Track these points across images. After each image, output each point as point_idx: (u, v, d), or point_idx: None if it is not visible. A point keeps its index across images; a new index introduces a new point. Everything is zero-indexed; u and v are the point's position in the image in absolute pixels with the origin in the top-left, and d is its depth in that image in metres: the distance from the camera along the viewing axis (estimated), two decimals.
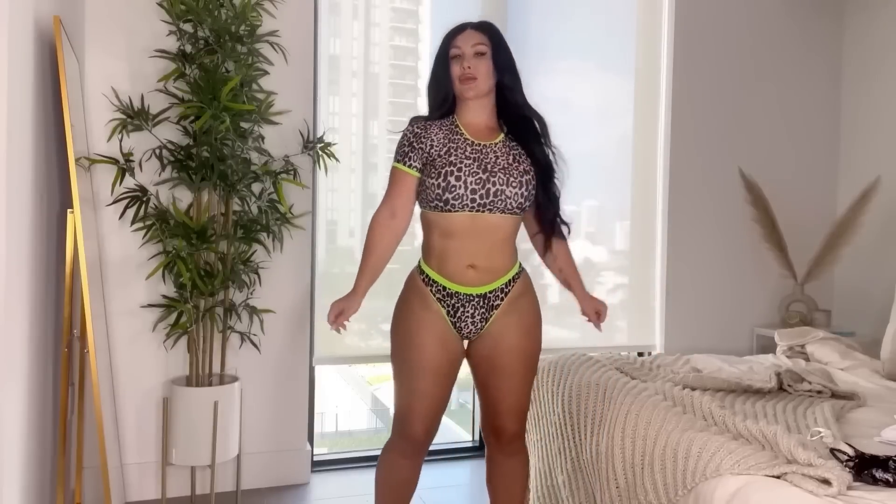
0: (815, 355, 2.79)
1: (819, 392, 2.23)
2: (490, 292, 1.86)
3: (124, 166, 2.54)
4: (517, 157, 1.88)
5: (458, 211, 1.81)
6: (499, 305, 1.87)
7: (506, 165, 1.85)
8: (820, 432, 1.71)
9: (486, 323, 1.88)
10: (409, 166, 1.87)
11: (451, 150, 1.84)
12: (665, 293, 3.56)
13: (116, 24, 2.68)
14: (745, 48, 3.65)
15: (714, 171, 3.61)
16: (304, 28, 2.93)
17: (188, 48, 2.58)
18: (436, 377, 1.86)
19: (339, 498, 2.86)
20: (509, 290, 1.88)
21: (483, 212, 1.82)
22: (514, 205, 1.84)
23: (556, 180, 1.95)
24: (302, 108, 2.92)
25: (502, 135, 1.92)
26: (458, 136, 1.88)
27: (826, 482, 1.43)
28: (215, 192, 2.59)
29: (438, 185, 1.80)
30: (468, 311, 1.86)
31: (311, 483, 3.00)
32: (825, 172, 3.83)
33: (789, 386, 2.26)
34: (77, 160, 2.14)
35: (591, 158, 3.48)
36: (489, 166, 1.83)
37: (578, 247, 3.55)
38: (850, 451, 1.57)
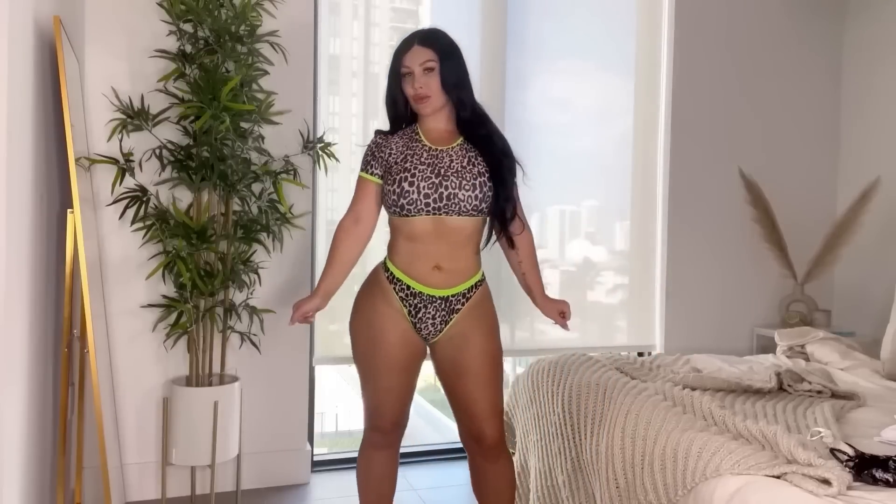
0: (815, 355, 2.79)
1: (819, 392, 2.23)
2: (452, 296, 1.90)
3: (124, 166, 2.54)
4: (472, 160, 1.92)
5: (415, 215, 1.86)
6: (459, 310, 1.91)
7: (459, 169, 1.89)
8: (820, 432, 1.71)
9: (445, 325, 1.91)
10: (371, 174, 1.96)
11: (408, 157, 1.91)
12: (665, 293, 3.56)
13: (116, 24, 2.68)
14: (745, 48, 3.65)
15: (714, 171, 3.61)
16: (304, 28, 2.93)
17: (188, 48, 2.58)
18: (399, 373, 1.92)
19: (339, 498, 2.86)
20: (471, 296, 1.92)
21: (441, 215, 1.86)
22: (469, 207, 1.87)
23: (511, 180, 1.97)
24: (302, 108, 2.92)
25: (461, 138, 1.96)
26: (417, 143, 1.93)
27: (826, 482, 1.44)
28: (215, 192, 2.59)
29: (394, 191, 1.87)
30: (429, 313, 1.90)
31: (311, 483, 3.00)
32: (825, 172, 3.83)
33: (789, 386, 2.26)
34: (77, 160, 2.14)
35: (591, 158, 3.48)
36: (442, 170, 1.88)
37: (578, 247, 3.55)
38: (850, 451, 1.57)
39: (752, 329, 3.69)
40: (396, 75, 1.93)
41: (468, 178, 1.88)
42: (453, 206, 1.86)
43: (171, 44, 2.63)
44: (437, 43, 1.91)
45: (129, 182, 2.57)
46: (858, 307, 3.64)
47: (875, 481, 1.48)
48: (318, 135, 2.96)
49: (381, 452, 2.01)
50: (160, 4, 2.58)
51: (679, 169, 3.56)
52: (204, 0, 2.47)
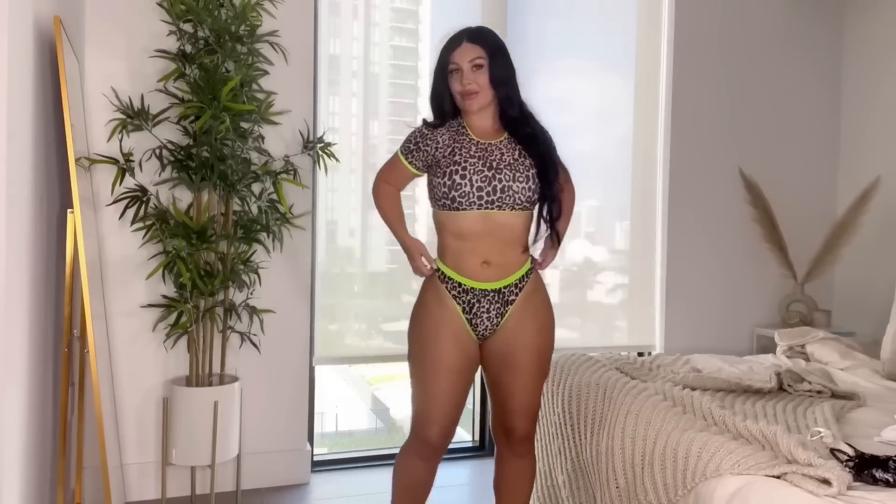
0: (815, 355, 2.79)
1: (819, 392, 2.23)
2: (505, 287, 1.89)
3: (124, 166, 2.53)
4: (521, 154, 1.91)
5: (466, 209, 1.85)
6: (514, 301, 1.90)
7: (511, 161, 1.88)
8: (820, 432, 1.71)
9: (501, 319, 1.90)
10: (410, 162, 1.95)
11: (456, 150, 1.89)
12: (665, 293, 3.56)
13: (116, 24, 2.68)
14: (745, 48, 3.65)
15: (714, 171, 3.61)
16: (304, 28, 2.93)
17: (188, 48, 2.58)
18: (451, 376, 1.88)
19: (339, 498, 2.86)
20: (523, 285, 1.91)
21: (492, 209, 1.85)
22: (523, 199, 1.87)
23: (556, 179, 1.96)
24: (302, 108, 2.92)
25: (506, 134, 1.95)
26: (464, 137, 1.92)
27: (826, 482, 1.44)
28: (215, 192, 2.59)
29: (444, 183, 1.85)
30: (484, 307, 1.88)
31: (311, 483, 3.00)
32: (825, 172, 3.83)
33: (789, 386, 2.26)
34: (77, 160, 2.14)
35: (591, 158, 3.48)
36: (494, 164, 1.87)
37: (578, 247, 3.55)
38: (850, 451, 1.57)
39: (752, 329, 3.69)
40: (443, 71, 1.91)
41: (521, 171, 1.88)
42: (507, 198, 1.85)
43: (171, 44, 2.63)
44: (486, 40, 1.91)
45: (129, 182, 2.56)
46: (858, 307, 3.64)
47: (875, 481, 1.48)
48: (318, 135, 2.96)
49: (422, 463, 1.95)
50: (160, 4, 2.57)
51: (679, 169, 3.55)
52: (204, 0, 2.47)
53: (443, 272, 1.91)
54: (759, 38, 3.68)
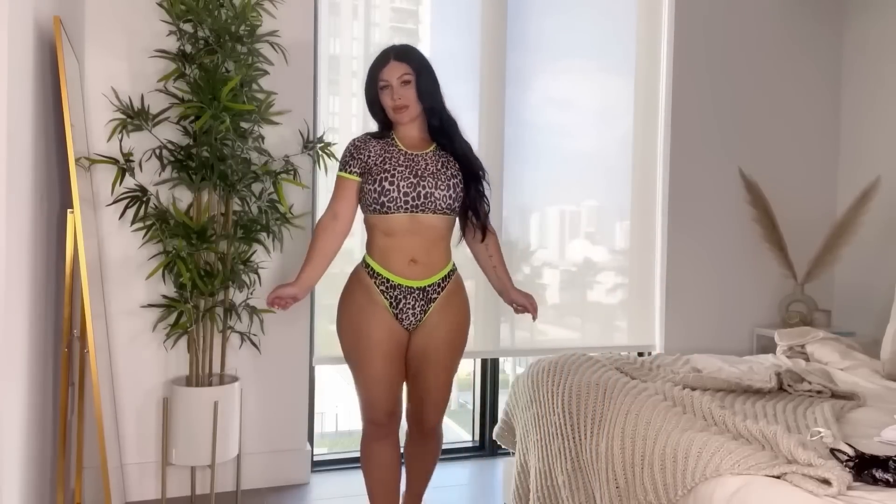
0: (815, 355, 2.79)
1: (819, 392, 2.23)
2: (429, 286, 2.08)
3: (124, 166, 2.54)
4: (445, 164, 2.11)
5: (394, 213, 2.04)
6: (436, 299, 2.09)
7: (434, 171, 2.08)
8: (820, 432, 1.71)
9: (424, 314, 2.09)
10: (350, 172, 2.12)
11: (387, 160, 2.08)
12: (665, 293, 3.56)
13: (116, 24, 2.68)
14: (745, 48, 3.65)
15: (714, 171, 3.61)
16: (304, 28, 2.93)
17: (188, 48, 2.58)
18: (386, 361, 2.07)
19: (339, 498, 2.86)
20: (445, 286, 2.11)
21: (417, 212, 2.04)
22: (444, 206, 2.07)
23: (484, 182, 2.18)
24: (302, 108, 2.92)
25: (434, 145, 2.15)
26: (394, 148, 2.12)
27: (826, 482, 1.43)
28: (215, 192, 2.59)
29: (375, 189, 2.04)
30: (409, 303, 2.07)
31: (311, 483, 3.00)
32: (825, 172, 3.83)
33: (789, 386, 2.26)
34: (77, 160, 2.14)
35: (592, 158, 3.49)
36: (420, 172, 2.07)
37: (578, 247, 3.55)
38: (850, 451, 1.57)
39: (752, 329, 3.69)
40: (373, 88, 2.11)
41: (443, 180, 2.07)
42: (430, 203, 2.04)
43: (171, 44, 2.63)
44: (412, 58, 2.09)
45: (129, 182, 2.57)
46: (858, 307, 3.64)
47: (875, 481, 1.48)
48: (318, 135, 2.96)
49: (379, 444, 2.16)
50: (160, 4, 2.57)
51: (679, 169, 3.55)
52: (204, 0, 2.47)
53: (371, 268, 2.08)
54: (759, 39, 3.68)
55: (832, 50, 3.81)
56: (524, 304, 2.28)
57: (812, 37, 3.77)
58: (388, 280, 2.06)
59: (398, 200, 2.02)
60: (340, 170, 2.14)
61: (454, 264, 2.17)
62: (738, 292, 3.67)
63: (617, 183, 3.55)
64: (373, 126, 2.21)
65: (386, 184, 2.02)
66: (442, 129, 2.13)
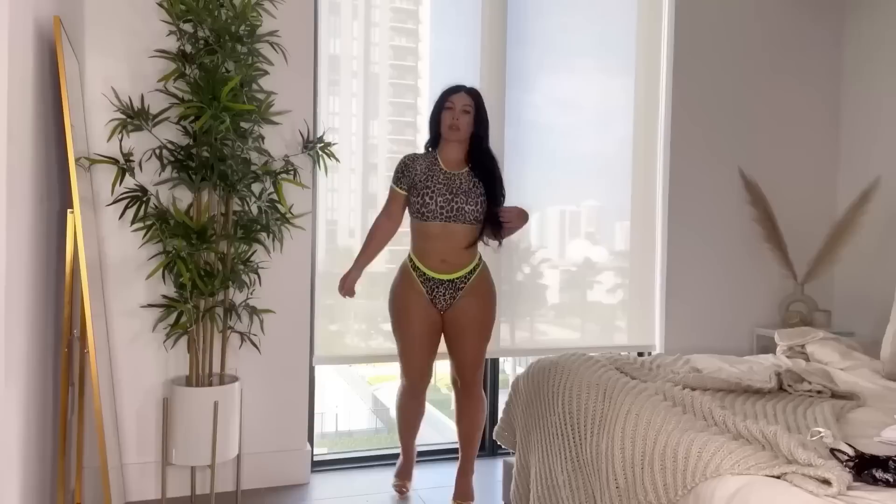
0: (815, 355, 2.79)
1: (819, 392, 2.23)
2: (456, 279, 2.64)
3: (124, 166, 2.54)
4: (476, 184, 2.63)
5: (431, 220, 2.59)
6: (463, 287, 2.65)
7: (467, 189, 2.61)
8: (820, 432, 1.71)
9: (453, 300, 2.65)
10: (400, 187, 2.68)
11: (429, 177, 2.62)
12: (665, 293, 3.56)
13: (116, 24, 2.68)
14: (745, 48, 3.65)
15: (714, 171, 3.61)
16: (304, 28, 2.93)
17: (188, 48, 2.58)
18: (421, 337, 2.66)
19: (339, 498, 2.86)
20: (470, 279, 2.65)
21: (450, 221, 2.59)
22: (472, 217, 2.61)
23: (502, 201, 2.70)
24: (302, 108, 2.92)
25: (468, 167, 2.66)
26: (436, 167, 2.64)
27: (826, 482, 1.43)
28: (215, 192, 2.59)
29: (418, 202, 2.61)
30: (441, 291, 2.64)
31: (311, 483, 3.00)
32: (825, 172, 3.83)
33: (789, 386, 2.26)
34: (77, 160, 2.14)
35: (592, 159, 3.49)
36: (455, 189, 2.60)
37: (578, 247, 3.55)
38: (850, 451, 1.56)
39: (752, 329, 3.69)
40: (439, 108, 2.64)
41: (472, 197, 2.61)
42: (461, 215, 2.59)
43: (171, 44, 2.63)
44: (476, 96, 2.66)
45: (129, 182, 2.57)
46: (858, 307, 3.64)
47: (875, 481, 1.48)
48: (318, 135, 2.96)
49: (412, 401, 2.81)
50: (160, 4, 2.57)
51: (679, 169, 3.56)
52: (204, 0, 2.47)
53: (414, 263, 2.65)
54: (759, 39, 3.68)
55: (832, 50, 3.81)
56: (505, 216, 2.66)
57: (812, 36, 3.77)
58: (424, 273, 2.63)
59: (435, 211, 2.58)
60: (394, 183, 2.68)
61: (480, 260, 2.69)
62: (738, 292, 3.67)
63: (617, 183, 3.55)
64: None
65: (426, 198, 2.58)
66: (481, 157, 2.65)
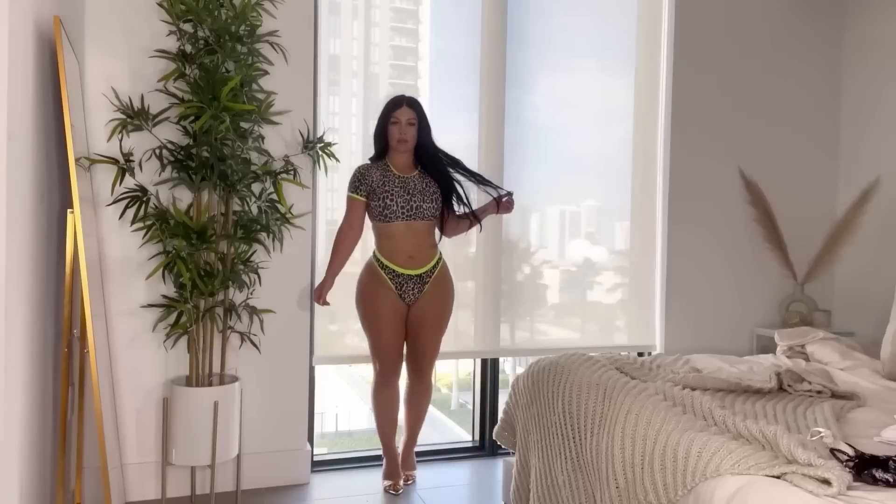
0: (815, 355, 2.78)
1: (819, 392, 2.23)
2: (423, 273, 2.82)
3: (124, 166, 2.54)
4: (428, 184, 2.84)
5: (394, 221, 2.78)
6: (428, 281, 2.84)
7: (421, 189, 2.82)
8: (820, 432, 1.71)
9: (420, 293, 2.83)
10: (359, 194, 2.82)
11: (386, 182, 2.80)
12: (665, 293, 3.56)
13: (116, 24, 2.68)
14: (745, 48, 3.65)
15: (714, 171, 3.61)
16: (304, 28, 2.93)
17: (188, 48, 2.58)
18: (391, 327, 2.83)
19: (339, 498, 2.86)
20: (434, 272, 2.85)
21: (411, 220, 2.78)
22: (429, 214, 2.82)
23: (458, 192, 2.90)
24: (302, 108, 2.92)
25: (418, 169, 2.86)
26: (390, 173, 2.82)
27: (826, 482, 1.43)
28: (215, 192, 2.59)
29: (379, 205, 2.78)
30: (409, 286, 2.82)
31: (311, 483, 3.00)
32: (825, 172, 3.83)
33: (789, 386, 2.26)
34: (77, 160, 2.14)
35: (592, 158, 3.49)
36: (411, 190, 2.80)
37: (578, 247, 3.55)
38: (850, 451, 1.56)
39: (752, 329, 3.69)
40: (385, 122, 2.81)
41: (427, 195, 2.82)
42: (419, 213, 2.80)
43: (171, 44, 2.63)
44: (418, 107, 2.84)
45: (129, 182, 2.57)
46: (858, 307, 3.64)
47: (875, 481, 1.48)
48: (318, 135, 2.96)
49: (387, 391, 2.93)
50: (160, 4, 2.58)
51: (679, 169, 3.56)
52: (204, 0, 2.47)
53: (381, 261, 2.81)
54: (759, 39, 3.68)
55: (832, 50, 3.81)
56: (500, 207, 2.98)
57: (812, 36, 3.77)
58: (394, 270, 2.79)
59: (397, 212, 2.76)
60: (352, 192, 2.82)
61: (440, 255, 2.90)
62: (738, 292, 3.67)
63: (617, 183, 3.55)
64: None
65: (387, 201, 2.76)
66: (430, 160, 2.86)
